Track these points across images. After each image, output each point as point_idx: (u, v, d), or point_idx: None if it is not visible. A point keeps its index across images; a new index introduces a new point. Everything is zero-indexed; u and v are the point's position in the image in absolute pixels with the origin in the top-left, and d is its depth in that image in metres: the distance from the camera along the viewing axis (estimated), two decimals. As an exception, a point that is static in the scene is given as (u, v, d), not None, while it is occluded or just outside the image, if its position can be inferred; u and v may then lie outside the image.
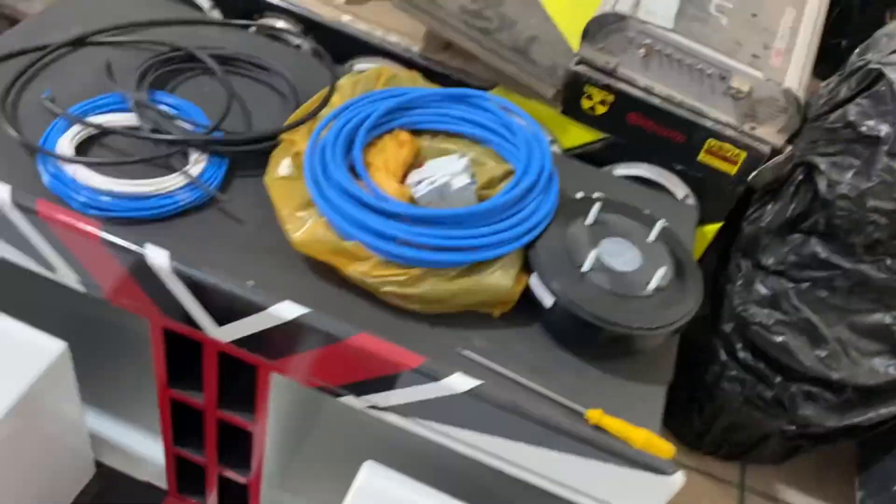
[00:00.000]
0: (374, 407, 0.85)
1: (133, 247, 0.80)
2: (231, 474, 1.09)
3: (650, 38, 1.06)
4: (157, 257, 0.80)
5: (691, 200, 1.19)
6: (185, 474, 1.15)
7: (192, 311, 0.83)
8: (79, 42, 1.12)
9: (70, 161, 0.92)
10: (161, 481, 1.20)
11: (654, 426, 0.87)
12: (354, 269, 0.89)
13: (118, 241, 0.80)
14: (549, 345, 0.92)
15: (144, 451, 1.19)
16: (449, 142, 1.07)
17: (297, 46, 1.25)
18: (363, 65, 1.25)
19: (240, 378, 0.94)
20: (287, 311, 0.80)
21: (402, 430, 0.90)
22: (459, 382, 0.78)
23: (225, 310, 0.82)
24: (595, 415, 0.85)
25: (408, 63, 1.22)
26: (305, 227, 0.91)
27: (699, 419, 1.39)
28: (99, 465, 1.20)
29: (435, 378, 0.78)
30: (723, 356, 1.28)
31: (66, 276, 0.87)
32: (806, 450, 1.41)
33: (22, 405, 0.90)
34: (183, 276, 0.80)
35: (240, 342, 0.85)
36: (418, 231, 0.89)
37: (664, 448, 0.85)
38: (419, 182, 0.97)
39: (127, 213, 0.89)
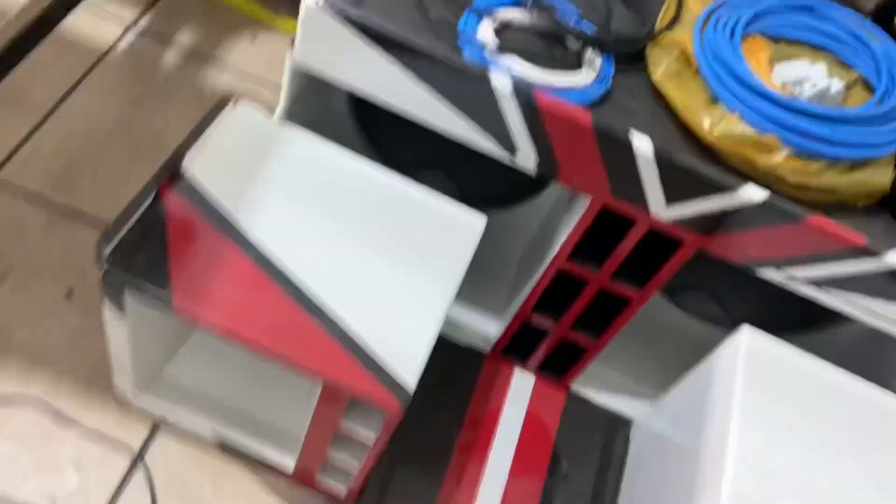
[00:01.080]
0: (791, 278, 1.00)
1: (621, 133, 0.92)
2: (579, 338, 1.24)
3: None
4: (642, 143, 0.92)
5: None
6: (519, 340, 1.31)
7: (650, 189, 0.96)
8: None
9: (501, 51, 1.03)
10: (484, 345, 1.35)
11: None
12: (766, 161, 1.01)
13: (609, 129, 0.92)
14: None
15: (473, 322, 1.35)
16: (791, 48, 1.18)
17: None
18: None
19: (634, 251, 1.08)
20: (753, 194, 0.92)
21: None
22: (898, 257, 0.92)
23: (683, 190, 0.95)
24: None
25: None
26: (720, 123, 1.02)
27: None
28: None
29: (876, 254, 0.93)
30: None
31: (526, 157, 0.99)
32: None
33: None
34: (662, 159, 0.92)
35: (681, 220, 0.98)
36: (825, 128, 1.02)
37: None
38: (794, 83, 1.09)
39: (555, 102, 1.01)
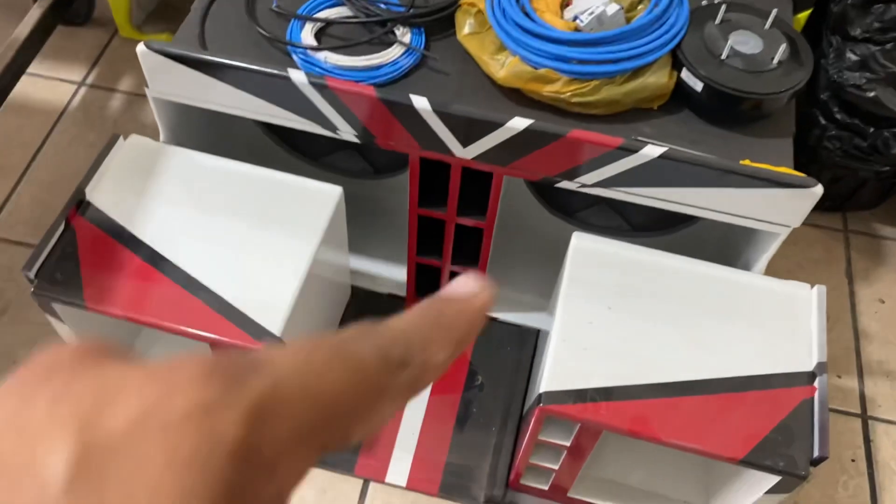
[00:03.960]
0: (583, 185, 1.18)
1: (403, 99, 1.12)
2: (463, 269, 1.44)
3: None
4: (421, 102, 1.11)
5: (785, -7, 1.44)
6: (422, 280, 1.52)
7: (445, 138, 1.15)
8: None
9: (317, 49, 1.24)
10: (400, 291, 1.57)
11: (789, 166, 1.18)
12: (549, 90, 1.19)
13: (392, 98, 1.12)
14: (698, 122, 1.22)
15: (387, 273, 1.57)
16: (586, -18, 1.34)
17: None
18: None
19: (470, 192, 1.28)
20: (519, 123, 1.11)
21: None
22: (653, 150, 1.09)
23: (470, 132, 1.14)
24: (745, 164, 1.16)
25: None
26: (505, 66, 1.21)
27: (805, 181, 1.69)
28: (353, 288, 1.57)
29: (633, 151, 1.10)
30: (822, 121, 1.56)
31: (346, 132, 1.20)
32: (897, 191, 1.70)
33: (323, 239, 1.25)
34: (440, 112, 1.12)
35: (480, 157, 1.17)
36: (591, 51, 1.18)
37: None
38: (578, 15, 1.26)
39: (371, 80, 1.21)
